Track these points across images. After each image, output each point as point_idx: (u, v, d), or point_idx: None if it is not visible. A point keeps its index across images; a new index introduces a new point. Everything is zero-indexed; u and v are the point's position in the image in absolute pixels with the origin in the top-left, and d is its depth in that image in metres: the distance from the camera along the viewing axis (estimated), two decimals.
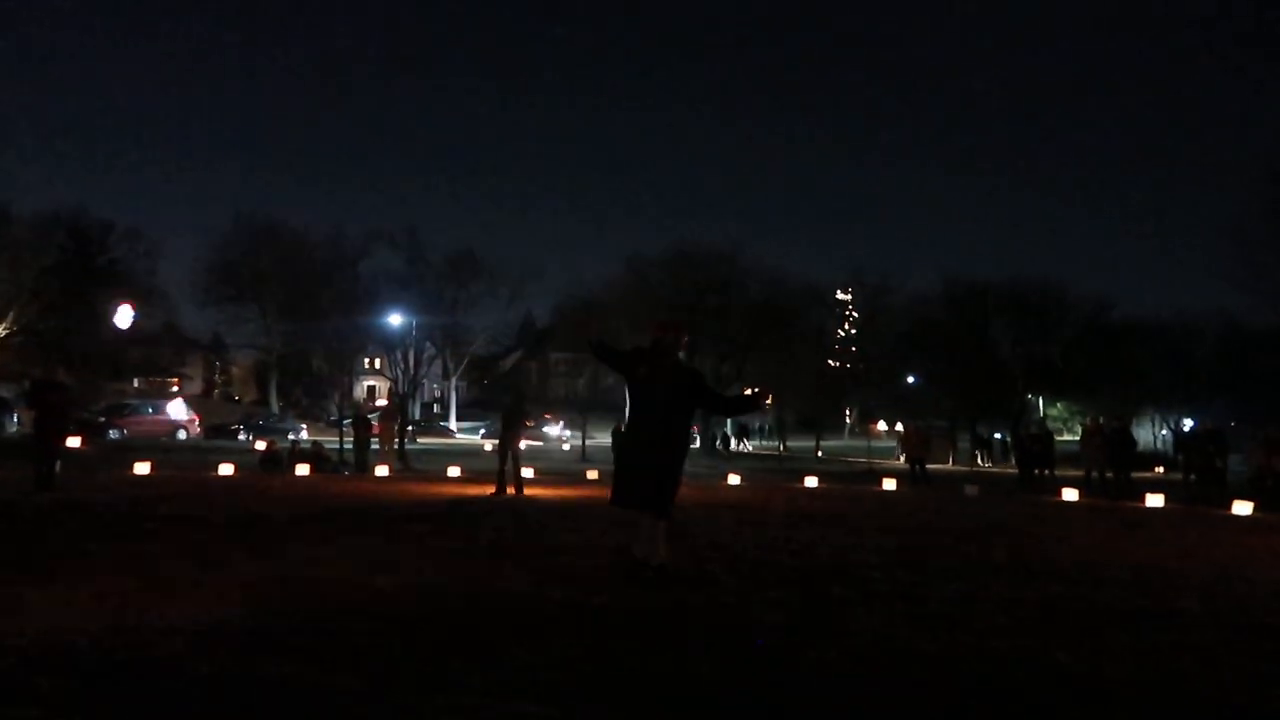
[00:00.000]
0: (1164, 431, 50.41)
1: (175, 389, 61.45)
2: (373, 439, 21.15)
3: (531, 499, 12.11)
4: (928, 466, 21.59)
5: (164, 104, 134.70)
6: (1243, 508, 13.36)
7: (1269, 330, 43.96)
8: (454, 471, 17.57)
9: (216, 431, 37.64)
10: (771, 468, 29.49)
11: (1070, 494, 16.11)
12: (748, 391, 6.26)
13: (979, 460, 41.14)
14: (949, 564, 7.07)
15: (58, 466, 11.72)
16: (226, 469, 16.11)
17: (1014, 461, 23.05)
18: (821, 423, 52.90)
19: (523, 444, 13.15)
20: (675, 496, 5.71)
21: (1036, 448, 20.86)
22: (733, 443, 47.57)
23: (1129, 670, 3.93)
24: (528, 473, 15.29)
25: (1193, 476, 18.62)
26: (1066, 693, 3.58)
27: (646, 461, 5.56)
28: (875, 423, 56.76)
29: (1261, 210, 36.13)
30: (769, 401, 6.12)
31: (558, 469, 22.22)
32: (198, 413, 38.50)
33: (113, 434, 31.84)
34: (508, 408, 13.49)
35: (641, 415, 5.70)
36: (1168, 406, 49.18)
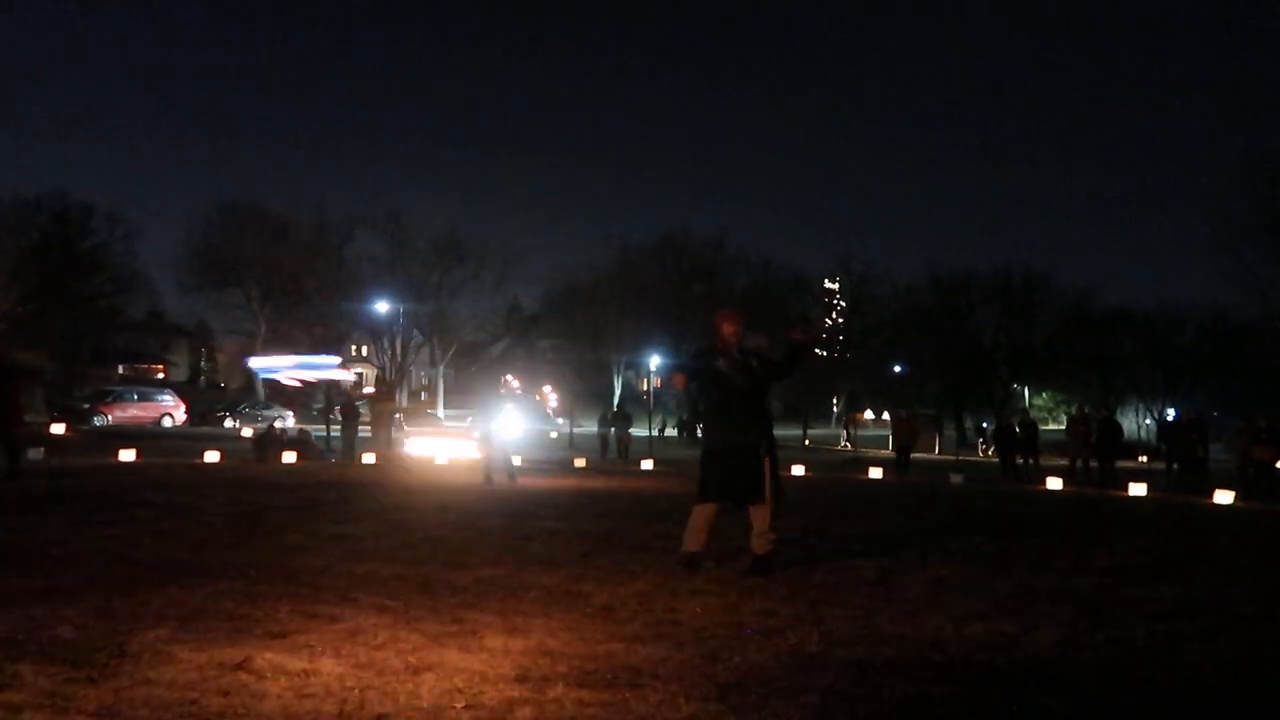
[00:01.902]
0: (1147, 421, 50.79)
1: (160, 375, 61.19)
2: (363, 426, 21.12)
3: (522, 488, 12.12)
4: (911, 455, 21.73)
5: (144, 85, 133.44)
6: (1224, 496, 13.51)
7: (1251, 320, 44.36)
8: (442, 461, 17.55)
9: (202, 418, 37.48)
10: None
11: (1054, 483, 16.24)
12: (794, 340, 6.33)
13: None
14: (932, 550, 7.13)
15: (28, 453, 11.46)
16: (213, 456, 16.05)
17: (994, 450, 23.20)
18: (808, 411, 53.10)
19: (506, 431, 13.09)
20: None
21: (1021, 436, 21.00)
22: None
23: (1101, 656, 3.99)
24: (515, 460, 15.33)
25: (1175, 465, 18.81)
26: (1037, 676, 3.63)
27: (738, 456, 5.72)
28: (861, 411, 56.97)
29: (1246, 203, 36.46)
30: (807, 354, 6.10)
31: (545, 457, 22.23)
32: (183, 399, 38.30)
33: (97, 421, 31.66)
34: (489, 396, 13.52)
35: (724, 412, 5.85)
36: (1150, 396, 49.56)
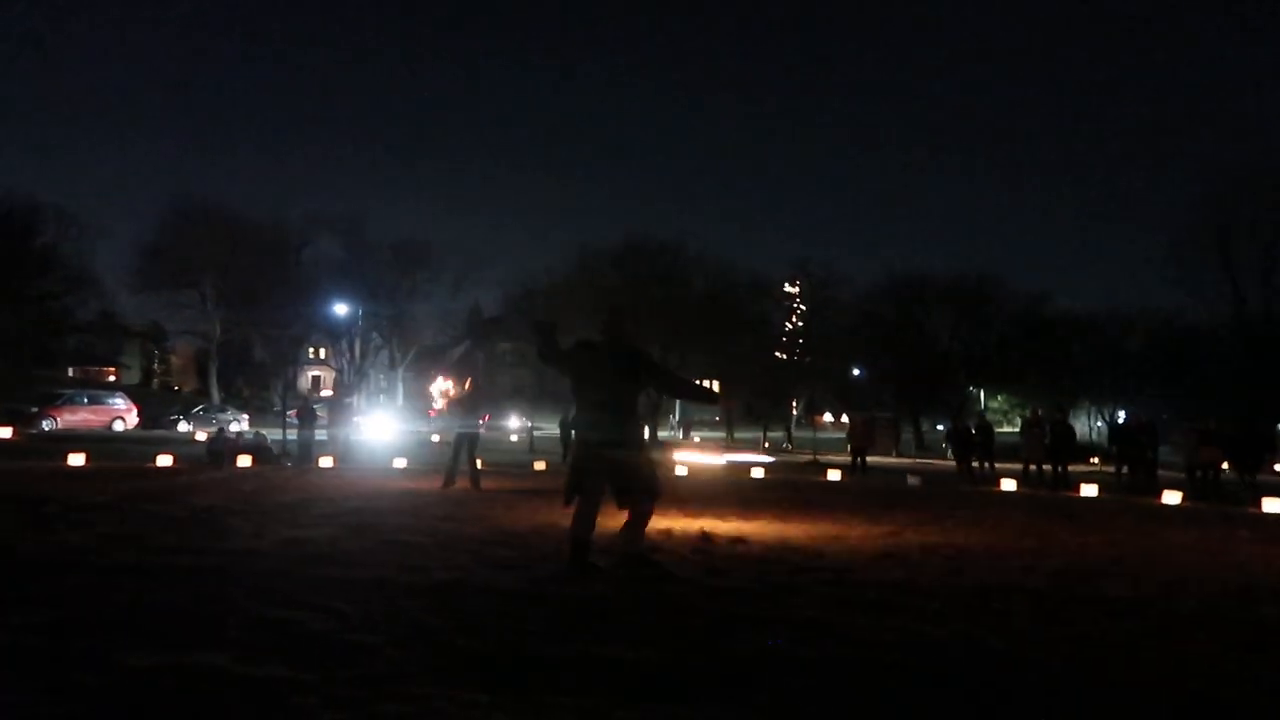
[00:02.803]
0: (1099, 423, 51.79)
1: (112, 378, 59.98)
2: (319, 430, 20.88)
3: (488, 491, 12.04)
4: (869, 458, 21.95)
5: (97, 82, 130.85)
6: (1172, 497, 13.81)
7: (1199, 325, 45.50)
8: (400, 464, 17.38)
9: (155, 422, 36.84)
10: (718, 459, 29.65)
11: (1009, 485, 16.49)
12: (706, 383, 6.39)
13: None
14: (889, 551, 7.20)
15: None
16: (166, 460, 15.76)
17: (950, 453, 23.53)
18: (768, 414, 53.37)
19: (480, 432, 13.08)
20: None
21: (977, 439, 21.28)
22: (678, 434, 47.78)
23: (1057, 654, 4.05)
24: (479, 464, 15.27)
25: (1125, 468, 19.20)
26: (993, 676, 3.67)
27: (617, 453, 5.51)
28: (820, 414, 57.41)
29: (1193, 212, 37.48)
30: (716, 402, 6.21)
31: (505, 460, 22.11)
32: (136, 402, 37.57)
33: (46, 425, 30.95)
34: (464, 398, 13.44)
35: (595, 408, 5.60)
36: (1101, 398, 50.53)
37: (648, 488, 5.59)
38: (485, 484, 12.57)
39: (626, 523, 5.62)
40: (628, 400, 5.67)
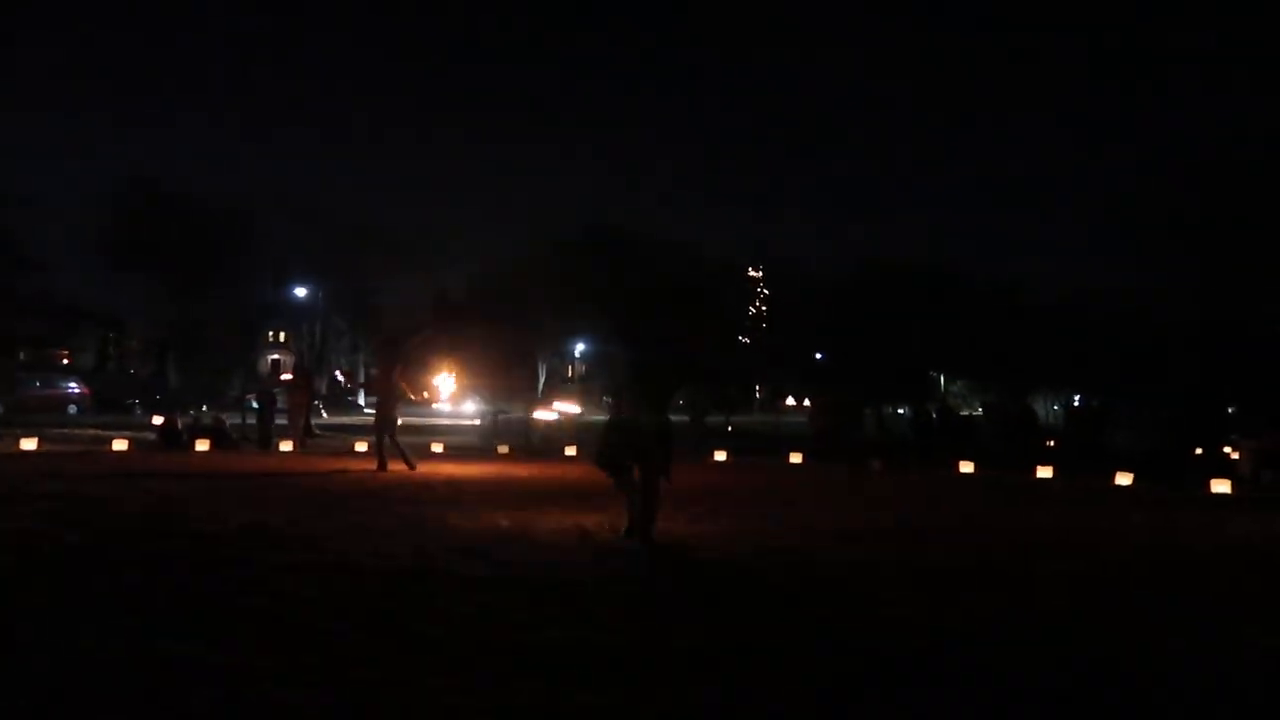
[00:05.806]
0: (1055, 407, 52.68)
1: (65, 362, 58.74)
2: (278, 415, 20.60)
3: (432, 475, 11.98)
4: (832, 441, 22.12)
5: (51, 57, 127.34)
6: (1124, 479, 14.10)
7: (1157, 309, 46.20)
8: (361, 448, 17.24)
9: (110, 406, 36.21)
10: (681, 443, 29.72)
11: (968, 467, 16.73)
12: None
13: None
14: (847, 530, 7.29)
15: None
16: (121, 445, 15.49)
17: (915, 437, 23.81)
18: (732, 398, 53.58)
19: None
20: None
21: (937, 423, 21.58)
22: None
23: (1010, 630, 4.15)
24: (436, 448, 15.24)
25: (1080, 450, 19.58)
26: (940, 656, 3.75)
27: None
28: (784, 398, 57.72)
29: (1149, 198, 38.08)
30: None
31: (470, 444, 22.02)
32: (88, 387, 36.88)
33: None
34: (380, 383, 13.47)
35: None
36: (1060, 383, 51.35)
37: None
38: (450, 468, 12.52)
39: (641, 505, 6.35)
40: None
